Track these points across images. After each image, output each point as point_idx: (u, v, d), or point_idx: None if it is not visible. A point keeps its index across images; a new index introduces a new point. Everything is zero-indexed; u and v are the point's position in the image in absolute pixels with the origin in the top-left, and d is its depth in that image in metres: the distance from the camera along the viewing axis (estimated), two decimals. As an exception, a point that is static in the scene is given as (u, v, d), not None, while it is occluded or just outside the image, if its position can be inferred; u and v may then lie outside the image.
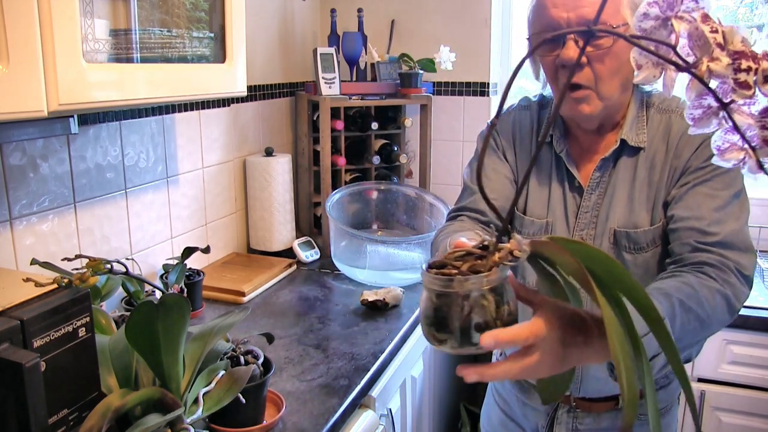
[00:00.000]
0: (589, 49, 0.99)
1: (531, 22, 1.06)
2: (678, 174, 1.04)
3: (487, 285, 0.58)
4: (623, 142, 1.07)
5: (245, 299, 1.60)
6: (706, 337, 1.00)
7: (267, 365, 1.06)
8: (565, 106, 1.05)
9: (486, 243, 0.63)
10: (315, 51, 1.95)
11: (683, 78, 0.50)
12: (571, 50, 0.98)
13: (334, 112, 1.98)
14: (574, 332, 0.64)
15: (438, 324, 0.60)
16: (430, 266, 0.62)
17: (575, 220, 1.10)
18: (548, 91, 1.16)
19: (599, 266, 0.58)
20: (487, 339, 0.59)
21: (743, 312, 1.26)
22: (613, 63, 1.01)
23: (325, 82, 1.94)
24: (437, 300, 0.60)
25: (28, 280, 0.78)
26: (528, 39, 1.08)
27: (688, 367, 1.73)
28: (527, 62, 1.15)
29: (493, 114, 2.28)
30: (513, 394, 1.28)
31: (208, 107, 1.72)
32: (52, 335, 0.74)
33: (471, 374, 0.62)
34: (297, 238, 1.95)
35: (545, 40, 1.04)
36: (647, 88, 1.11)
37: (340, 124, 1.99)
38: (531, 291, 0.67)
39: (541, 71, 1.11)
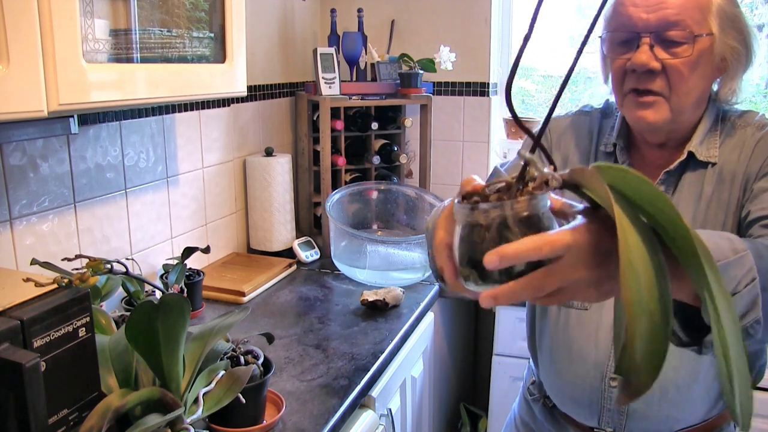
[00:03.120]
0: (664, 56, 0.92)
1: (607, 19, 0.99)
2: (752, 181, 0.96)
3: (513, 215, 0.52)
4: (690, 155, 0.99)
5: (245, 299, 1.60)
6: None
7: (267, 365, 1.06)
8: (629, 110, 0.98)
9: (531, 173, 0.57)
10: (315, 51, 1.95)
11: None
12: (644, 55, 0.92)
13: (334, 112, 1.98)
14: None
15: (462, 258, 0.55)
16: (464, 197, 0.57)
17: None
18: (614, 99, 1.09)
19: (637, 194, 0.49)
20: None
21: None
22: (692, 75, 0.93)
23: (325, 82, 1.94)
24: (462, 232, 0.55)
25: (28, 280, 0.77)
26: (600, 38, 1.01)
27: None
28: (598, 63, 1.06)
29: (493, 114, 2.28)
30: (545, 427, 1.19)
31: (208, 107, 1.72)
32: (52, 335, 0.74)
33: (486, 299, 0.52)
34: (297, 238, 1.96)
35: (619, 41, 0.96)
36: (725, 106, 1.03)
37: (340, 124, 1.99)
38: (568, 204, 0.55)
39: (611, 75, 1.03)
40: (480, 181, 0.56)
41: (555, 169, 0.54)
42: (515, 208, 0.52)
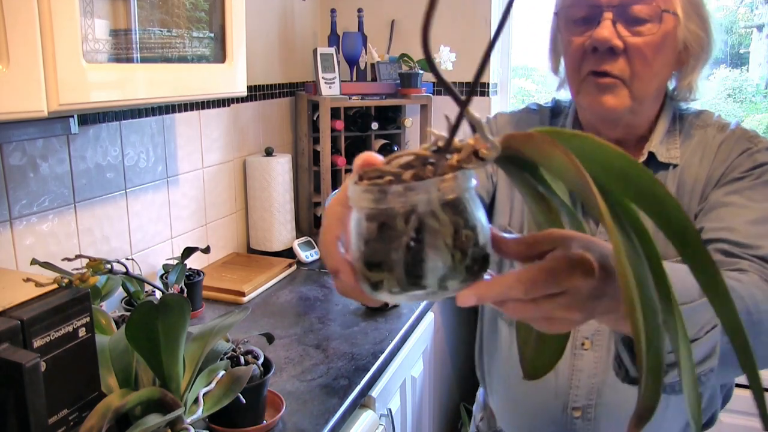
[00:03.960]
0: (625, 33, 0.84)
1: None
2: (712, 185, 0.90)
3: (439, 198, 0.39)
4: (651, 156, 0.94)
5: (245, 299, 1.60)
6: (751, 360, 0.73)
7: (267, 365, 1.06)
8: (587, 95, 0.90)
9: (440, 144, 0.43)
10: (315, 51, 1.95)
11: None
12: (606, 30, 0.84)
13: (334, 112, 1.98)
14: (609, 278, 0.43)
15: (370, 258, 0.40)
16: (361, 177, 0.42)
17: None
18: (564, 97, 1.02)
19: (613, 172, 0.39)
20: (464, 296, 0.41)
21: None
22: (655, 59, 0.86)
23: (325, 82, 1.94)
24: (369, 223, 0.40)
25: (28, 280, 0.77)
26: (555, 14, 0.93)
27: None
28: (546, 53, 0.97)
29: (493, 114, 2.28)
30: None
31: (208, 107, 1.72)
32: (52, 335, 0.74)
33: (467, 296, 0.41)
34: (297, 238, 1.95)
35: (577, 18, 0.87)
36: (683, 104, 0.98)
37: (340, 124, 1.99)
38: (532, 237, 0.46)
39: (561, 65, 0.95)
40: (379, 157, 0.44)
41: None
42: (442, 188, 0.39)
